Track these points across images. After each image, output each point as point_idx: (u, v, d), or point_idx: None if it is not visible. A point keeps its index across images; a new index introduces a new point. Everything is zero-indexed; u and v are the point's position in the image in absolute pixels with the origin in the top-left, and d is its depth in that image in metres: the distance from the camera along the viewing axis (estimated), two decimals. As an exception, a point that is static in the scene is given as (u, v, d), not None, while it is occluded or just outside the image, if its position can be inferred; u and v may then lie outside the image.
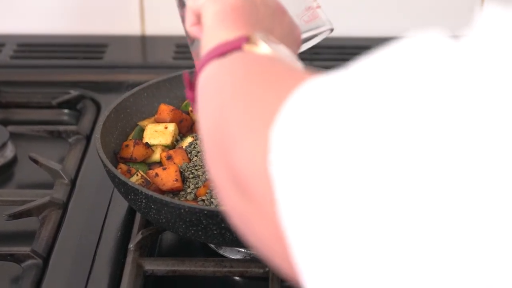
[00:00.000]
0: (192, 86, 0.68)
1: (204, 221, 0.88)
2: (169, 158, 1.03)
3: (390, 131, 0.42)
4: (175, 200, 0.92)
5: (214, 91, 0.59)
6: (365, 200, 0.41)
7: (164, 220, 0.90)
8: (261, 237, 0.50)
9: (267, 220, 0.47)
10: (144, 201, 0.90)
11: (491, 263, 0.39)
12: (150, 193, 0.90)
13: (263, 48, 0.62)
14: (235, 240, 0.88)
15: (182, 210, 0.88)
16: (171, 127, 1.08)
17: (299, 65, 0.63)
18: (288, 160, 0.45)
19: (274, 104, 0.48)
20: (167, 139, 1.07)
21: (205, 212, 0.87)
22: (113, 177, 0.95)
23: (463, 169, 0.40)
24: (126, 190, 0.93)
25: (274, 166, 0.46)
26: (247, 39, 0.63)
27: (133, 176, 0.99)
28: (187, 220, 0.88)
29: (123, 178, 0.93)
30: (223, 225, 0.87)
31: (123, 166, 1.02)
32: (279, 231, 0.46)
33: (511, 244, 0.38)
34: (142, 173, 1.00)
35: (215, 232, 0.88)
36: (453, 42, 0.44)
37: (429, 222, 0.40)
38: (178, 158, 1.03)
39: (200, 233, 0.89)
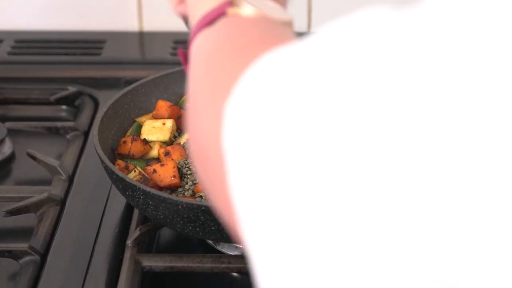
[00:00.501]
0: (187, 60, 0.68)
1: (202, 217, 0.88)
2: (167, 154, 1.03)
3: (334, 108, 0.41)
4: (173, 196, 0.92)
5: (196, 62, 0.59)
6: (303, 174, 0.42)
7: (162, 216, 0.90)
8: (219, 206, 0.52)
9: (220, 192, 0.49)
10: (142, 197, 0.90)
11: (480, 265, 0.38)
12: (148, 189, 0.90)
13: (246, 9, 0.61)
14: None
15: (180, 206, 0.88)
16: (169, 123, 1.08)
17: (287, 17, 0.62)
18: (239, 135, 0.46)
19: (237, 76, 0.49)
20: (165, 135, 1.07)
21: (203, 208, 0.87)
22: (111, 174, 0.94)
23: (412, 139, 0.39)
24: (124, 186, 0.93)
25: (225, 141, 0.47)
26: (230, 3, 0.62)
27: (131, 172, 0.99)
28: (185, 216, 0.88)
29: (121, 174, 0.93)
30: (220, 221, 0.86)
31: (121, 163, 1.02)
32: (229, 204, 0.47)
33: (510, 245, 0.38)
34: (140, 170, 0.99)
35: (213, 228, 0.88)
36: (409, 15, 0.44)
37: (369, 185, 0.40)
38: (176, 154, 1.03)
39: (198, 229, 0.89)
